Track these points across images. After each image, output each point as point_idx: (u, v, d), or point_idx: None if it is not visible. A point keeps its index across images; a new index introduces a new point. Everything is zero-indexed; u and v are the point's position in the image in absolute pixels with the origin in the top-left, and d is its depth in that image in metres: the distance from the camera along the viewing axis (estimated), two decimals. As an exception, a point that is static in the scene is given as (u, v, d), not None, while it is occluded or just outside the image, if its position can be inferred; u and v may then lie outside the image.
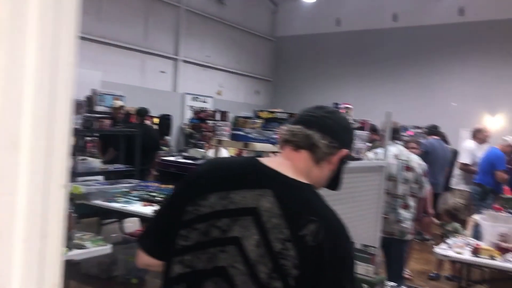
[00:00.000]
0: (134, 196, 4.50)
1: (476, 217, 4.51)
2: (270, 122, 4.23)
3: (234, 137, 3.57)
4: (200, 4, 15.01)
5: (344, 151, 1.33)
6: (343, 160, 1.35)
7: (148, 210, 4.15)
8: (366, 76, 15.90)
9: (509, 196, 4.90)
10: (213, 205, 1.20)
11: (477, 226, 5.18)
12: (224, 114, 13.76)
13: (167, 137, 12.40)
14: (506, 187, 5.06)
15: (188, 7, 14.51)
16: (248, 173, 1.27)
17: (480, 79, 13.79)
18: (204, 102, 15.12)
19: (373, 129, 7.45)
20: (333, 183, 1.40)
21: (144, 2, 13.17)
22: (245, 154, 3.83)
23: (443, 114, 13.77)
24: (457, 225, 5.49)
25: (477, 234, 4.92)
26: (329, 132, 1.32)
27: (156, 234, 1.31)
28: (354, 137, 1.42)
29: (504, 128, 13.08)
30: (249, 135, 3.59)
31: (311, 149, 1.29)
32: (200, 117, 13.72)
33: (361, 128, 7.86)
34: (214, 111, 13.83)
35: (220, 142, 3.67)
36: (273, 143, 3.66)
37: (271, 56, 18.50)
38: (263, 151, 4.24)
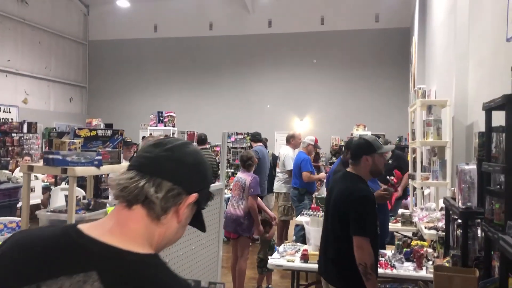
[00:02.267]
0: None
1: (300, 218, 4.84)
2: (91, 140, 3.86)
3: (49, 162, 3.13)
4: (-4, 1, 13.15)
5: (193, 197, 1.05)
6: (199, 204, 1.10)
7: None
8: (188, 83, 16.08)
9: (322, 195, 5.43)
10: None
11: (296, 227, 5.60)
12: (32, 126, 12.28)
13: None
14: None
15: (-19, 4, 12.58)
16: (65, 251, 0.94)
17: (291, 85, 15.16)
18: (8, 112, 13.28)
19: (201, 140, 7.50)
20: (196, 225, 1.17)
21: None
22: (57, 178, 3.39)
23: (259, 118, 14.77)
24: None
25: (299, 238, 5.30)
26: (168, 176, 1.04)
27: None
28: (208, 172, 1.12)
29: (310, 129, 14.64)
30: (67, 159, 3.18)
31: (146, 204, 1.01)
32: (3, 130, 11.98)
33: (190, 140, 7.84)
34: (21, 123, 12.23)
35: (31, 169, 3.18)
36: (97, 166, 3.32)
37: (85, 61, 17.29)
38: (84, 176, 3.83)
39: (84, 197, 4.56)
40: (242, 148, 10.91)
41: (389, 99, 14.28)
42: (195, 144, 7.44)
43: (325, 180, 6.16)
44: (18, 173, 8.25)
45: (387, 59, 14.34)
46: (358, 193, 2.75)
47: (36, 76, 14.77)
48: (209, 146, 10.99)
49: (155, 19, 16.35)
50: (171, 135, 8.54)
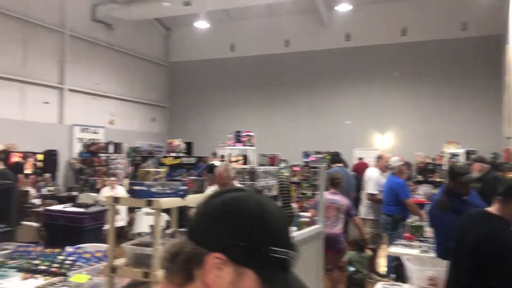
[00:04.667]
0: (11, 267, 3.69)
1: (393, 249, 4.44)
2: (176, 168, 3.77)
3: (134, 194, 3.04)
4: (86, 29, 14.01)
5: (213, 257, 0.85)
6: (256, 267, 0.85)
7: (31, 285, 3.40)
8: (264, 101, 16.06)
9: (417, 223, 4.95)
10: None
11: (389, 257, 5.15)
12: (118, 146, 12.82)
13: (46, 175, 11.12)
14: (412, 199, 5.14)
15: (73, 33, 13.44)
16: None
17: (370, 100, 14.59)
18: (95, 133, 14.02)
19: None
20: None
21: (22, 28, 11.88)
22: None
23: (338, 135, 14.31)
24: (364, 256, 5.43)
25: (391, 269, 4.87)
26: (192, 234, 0.90)
27: None
28: (236, 226, 0.86)
29: (392, 145, 13.92)
30: (152, 190, 3.07)
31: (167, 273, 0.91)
32: (91, 151, 12.62)
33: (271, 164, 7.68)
34: (107, 143, 12.82)
35: (117, 200, 3.11)
36: (182, 196, 3.19)
37: (166, 82, 17.93)
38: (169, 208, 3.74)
39: (168, 225, 4.49)
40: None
41: (480, 112, 13.21)
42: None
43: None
44: (106, 192, 8.54)
45: (476, 69, 13.32)
46: (507, 243, 2.25)
47: (121, 98, 15.50)
48: (284, 165, 10.78)
49: (232, 39, 16.59)
50: (248, 155, 8.42)
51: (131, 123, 16.06)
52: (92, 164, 12.40)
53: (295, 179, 9.83)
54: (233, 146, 8.63)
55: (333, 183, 5.40)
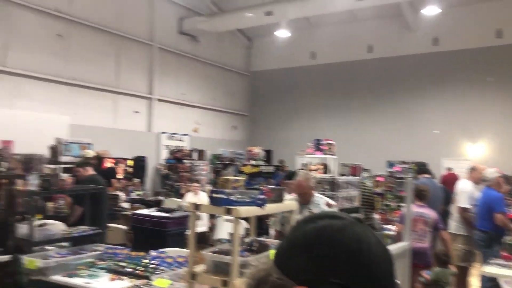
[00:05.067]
0: (100, 268, 3.91)
1: (488, 268, 4.07)
2: (254, 177, 3.77)
3: (214, 201, 3.07)
4: (173, 42, 14.70)
5: None
6: None
7: (117, 286, 3.56)
8: (345, 109, 15.75)
9: (516, 242, 4.52)
10: None
11: (484, 278, 4.74)
12: (201, 153, 13.25)
13: (136, 179, 11.75)
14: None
15: (161, 45, 14.16)
16: None
17: (459, 107, 13.73)
18: (180, 140, 14.61)
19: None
20: None
21: (114, 41, 12.75)
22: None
23: (425, 144, 13.60)
24: (447, 271, 5.05)
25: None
26: (279, 262, 0.82)
27: None
28: (329, 260, 0.77)
29: (486, 156, 12.95)
30: (231, 198, 3.08)
31: None
32: (177, 157, 13.16)
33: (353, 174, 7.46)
34: (191, 150, 13.30)
35: (197, 207, 3.16)
36: (260, 206, 3.18)
37: (247, 90, 18.26)
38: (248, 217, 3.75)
39: (247, 233, 4.50)
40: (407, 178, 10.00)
41: None
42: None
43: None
44: (189, 198, 8.82)
45: None
46: None
47: (205, 107, 16.03)
48: (367, 175, 10.42)
49: (313, 46, 16.50)
50: (328, 164, 8.24)
51: (213, 131, 16.53)
52: (177, 170, 12.92)
53: (378, 189, 9.46)
54: (313, 154, 8.51)
55: (420, 195, 5.15)
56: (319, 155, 8.42)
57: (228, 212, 2.99)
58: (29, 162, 4.92)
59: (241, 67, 17.97)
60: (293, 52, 16.71)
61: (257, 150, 9.18)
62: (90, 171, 5.48)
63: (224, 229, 5.64)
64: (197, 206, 3.16)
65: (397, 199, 9.05)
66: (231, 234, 3.32)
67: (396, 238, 5.18)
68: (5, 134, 8.75)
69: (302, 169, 6.88)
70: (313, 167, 7.80)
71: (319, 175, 6.91)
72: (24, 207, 4.62)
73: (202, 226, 7.06)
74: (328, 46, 16.09)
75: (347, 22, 15.44)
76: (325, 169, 7.56)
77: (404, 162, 10.14)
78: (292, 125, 16.64)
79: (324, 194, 5.28)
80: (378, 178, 9.78)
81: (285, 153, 14.28)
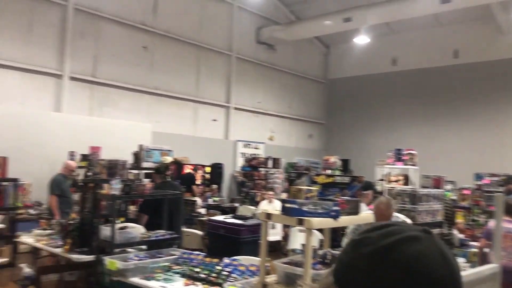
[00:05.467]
0: (175, 272, 4.00)
1: None
2: (328, 187, 3.66)
3: (287, 211, 3.01)
4: (251, 51, 14.93)
5: None
6: None
7: (191, 291, 3.62)
8: (428, 117, 14.99)
9: None
10: None
11: None
12: (276, 161, 13.27)
13: (214, 186, 12.02)
14: None
15: (239, 55, 14.44)
16: None
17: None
18: (256, 148, 14.75)
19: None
20: None
21: (195, 52, 13.21)
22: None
23: (518, 156, 12.54)
24: None
25: None
26: (339, 278, 0.76)
27: None
28: (389, 280, 0.69)
29: None
30: (304, 208, 3.01)
31: None
32: (252, 165, 13.30)
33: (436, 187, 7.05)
34: (266, 158, 13.37)
35: (269, 217, 3.12)
36: (334, 217, 3.07)
37: (324, 98, 18.04)
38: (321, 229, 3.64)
39: (321, 244, 4.38)
40: (498, 192, 9.20)
41: None
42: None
43: None
44: (264, 205, 8.84)
45: None
46: None
47: (281, 115, 16.07)
48: (451, 187, 9.78)
49: (394, 52, 15.94)
50: (409, 175, 7.86)
51: (289, 139, 16.50)
52: (252, 177, 13.05)
53: (464, 203, 8.85)
54: (393, 165, 8.17)
55: (510, 211, 4.73)
56: (400, 165, 8.07)
57: (300, 222, 2.92)
58: (113, 168, 5.19)
59: (318, 75, 17.81)
60: (373, 58, 16.25)
61: (334, 159, 9.00)
62: (166, 177, 5.67)
63: (298, 239, 5.56)
64: (268, 215, 3.12)
65: (485, 214, 8.39)
66: (304, 245, 3.24)
67: (479, 255, 4.81)
68: (94, 141, 9.37)
69: (380, 180, 6.59)
70: (393, 178, 7.48)
71: (399, 186, 6.59)
72: (108, 210, 4.88)
73: (275, 235, 7.02)
74: (410, 52, 15.47)
75: (430, 26, 14.74)
76: (406, 180, 7.22)
77: (494, 175, 9.40)
78: (370, 134, 16.15)
79: (404, 208, 5.02)
80: (464, 191, 9.13)
81: (363, 163, 13.87)
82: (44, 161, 9.05)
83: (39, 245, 5.31)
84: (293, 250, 5.63)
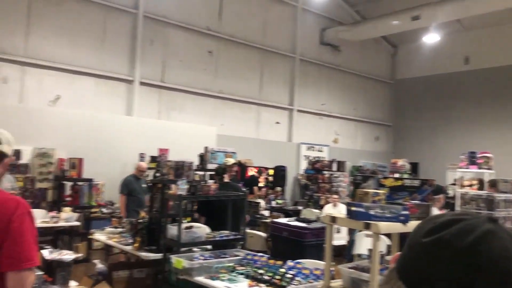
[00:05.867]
0: (240, 273, 4.02)
1: None
2: (397, 191, 3.52)
3: (352, 215, 2.92)
4: (315, 52, 14.80)
5: None
6: None
7: (255, 293, 3.62)
8: (505, 119, 14.05)
9: None
10: None
11: None
12: (341, 164, 13.02)
13: (277, 188, 12.00)
14: None
15: (302, 57, 14.36)
16: None
17: None
18: (320, 151, 14.57)
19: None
20: None
21: (259, 55, 13.31)
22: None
23: None
24: None
25: None
26: (401, 272, 0.72)
27: None
28: (457, 273, 0.65)
29: None
30: (371, 212, 2.90)
31: None
32: (316, 168, 13.15)
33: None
34: (331, 161, 13.15)
35: (333, 220, 3.05)
36: (403, 222, 2.94)
37: (391, 99, 17.47)
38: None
39: (389, 250, 4.23)
40: None
41: None
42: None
43: None
44: (328, 209, 8.70)
45: None
46: None
47: (345, 117, 15.77)
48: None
49: (466, 51, 15.11)
50: (484, 180, 7.39)
51: (354, 141, 16.16)
52: (316, 180, 12.90)
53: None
54: (466, 168, 7.72)
55: None
56: (474, 169, 7.61)
57: (367, 227, 2.82)
58: (179, 169, 5.33)
59: (385, 75, 17.30)
60: (443, 57, 15.52)
61: (402, 162, 8.66)
62: (227, 178, 5.73)
63: (364, 244, 5.40)
64: (333, 219, 3.05)
65: None
66: (370, 250, 3.13)
67: None
68: (162, 143, 9.74)
69: (452, 184, 6.25)
70: (466, 183, 7.08)
71: (473, 191, 6.22)
72: (174, 210, 5.01)
73: (340, 239, 6.88)
74: (483, 50, 14.60)
75: (505, 22, 13.83)
76: (481, 185, 6.79)
77: None
78: (440, 136, 15.42)
79: (479, 213, 4.71)
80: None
81: (433, 167, 13.27)
82: (116, 162, 9.51)
83: (111, 242, 5.56)
84: (359, 255, 5.49)
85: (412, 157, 13.49)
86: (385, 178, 3.36)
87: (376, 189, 3.38)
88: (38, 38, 9.41)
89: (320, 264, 4.26)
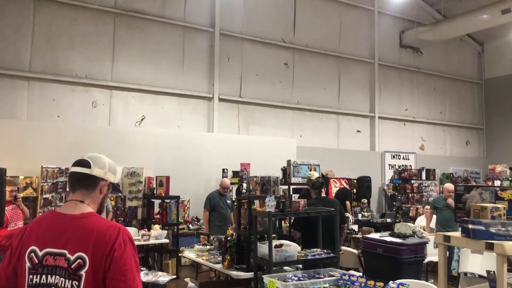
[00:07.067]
0: (337, 295, 3.75)
1: None
2: (517, 204, 3.10)
3: (468, 233, 2.58)
4: (394, 56, 14.17)
5: None
6: None
7: (355, 317, 3.34)
8: None
9: None
10: None
11: None
12: (430, 172, 12.21)
13: (363, 200, 11.46)
14: None
15: (382, 62, 13.80)
16: None
17: None
18: (405, 159, 13.83)
19: None
20: None
21: (335, 64, 12.98)
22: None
23: None
24: None
25: None
26: None
27: None
28: None
29: None
30: (491, 230, 2.54)
31: None
32: (403, 177, 12.46)
33: None
34: (419, 169, 12.39)
35: (448, 239, 2.71)
36: (532, 242, 2.53)
37: (481, 101, 16.26)
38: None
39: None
40: None
41: None
42: None
43: None
44: (421, 222, 8.12)
45: None
46: None
47: (432, 122, 14.89)
48: None
49: None
50: None
51: (442, 147, 15.19)
52: (404, 190, 12.23)
53: None
54: None
55: None
56: None
57: (490, 247, 2.46)
58: (265, 184, 5.20)
59: (472, 75, 16.15)
60: (539, 51, 14.19)
61: (501, 168, 7.91)
62: (320, 193, 5.49)
63: (470, 261, 4.89)
64: (447, 238, 2.72)
65: None
66: (489, 272, 2.75)
67: None
68: (243, 157, 9.74)
69: None
70: None
71: None
72: (263, 227, 4.87)
73: (436, 255, 6.33)
74: None
75: None
76: None
77: None
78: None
79: None
80: None
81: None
82: (200, 179, 9.64)
83: (200, 260, 5.54)
84: (465, 274, 4.97)
85: (509, 161, 12.38)
86: (504, 189, 2.95)
87: (493, 202, 2.99)
88: (123, 63, 9.87)
89: (426, 285, 3.88)
